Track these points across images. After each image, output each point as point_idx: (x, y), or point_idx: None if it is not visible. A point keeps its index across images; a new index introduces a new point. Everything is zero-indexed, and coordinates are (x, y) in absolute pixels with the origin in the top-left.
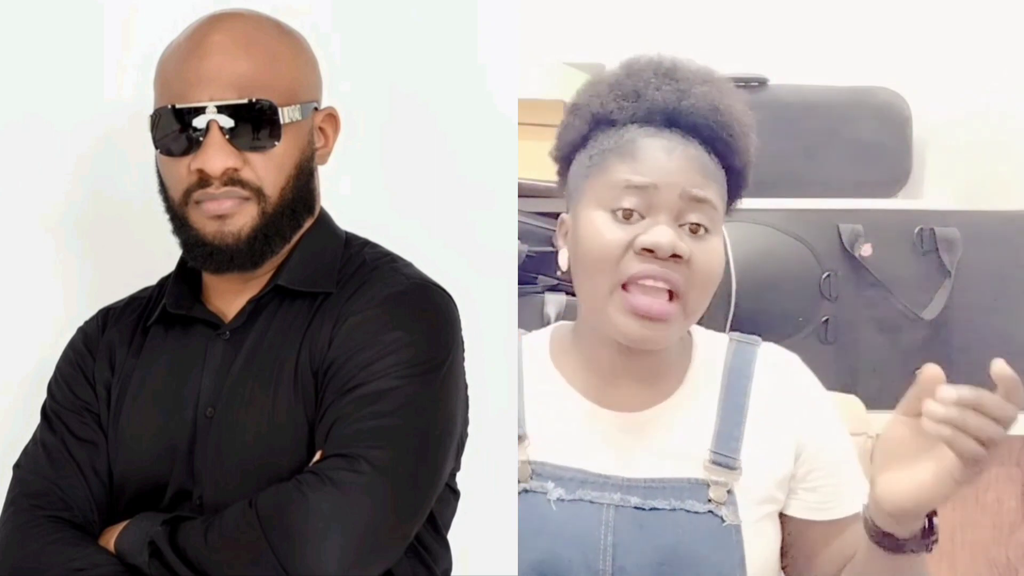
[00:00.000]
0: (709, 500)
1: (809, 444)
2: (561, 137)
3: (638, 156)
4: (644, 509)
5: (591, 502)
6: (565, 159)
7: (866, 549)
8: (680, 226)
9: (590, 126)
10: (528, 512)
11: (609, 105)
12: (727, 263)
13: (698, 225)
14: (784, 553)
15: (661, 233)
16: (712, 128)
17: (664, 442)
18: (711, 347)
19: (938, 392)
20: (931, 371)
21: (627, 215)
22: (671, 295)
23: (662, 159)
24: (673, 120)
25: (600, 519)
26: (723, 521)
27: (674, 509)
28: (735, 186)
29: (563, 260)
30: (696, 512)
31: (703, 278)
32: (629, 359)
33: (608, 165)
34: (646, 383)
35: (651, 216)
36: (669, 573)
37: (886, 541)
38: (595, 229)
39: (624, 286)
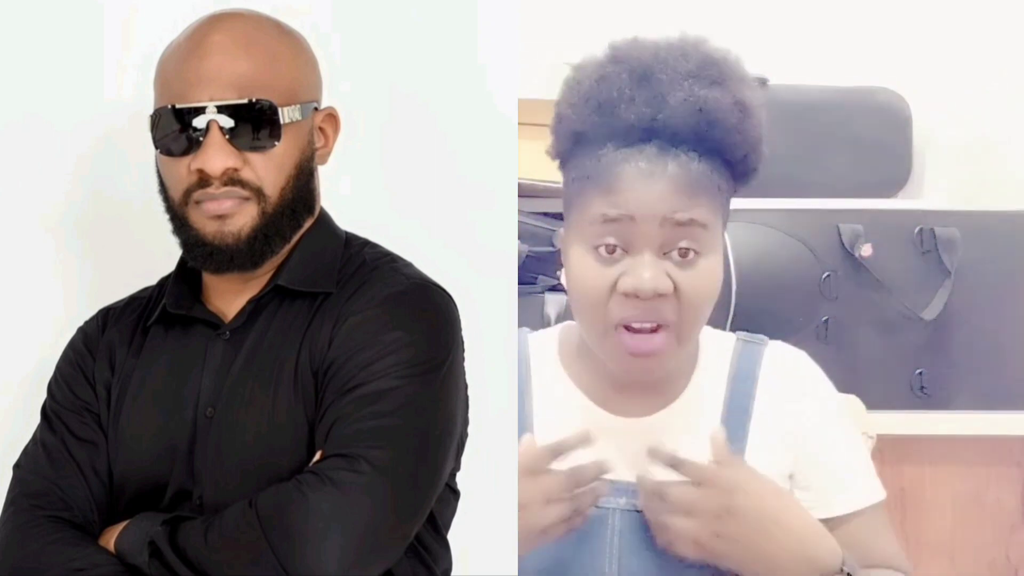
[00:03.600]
0: None
1: (806, 441)
2: (552, 139)
3: (614, 186)
4: None
5: (598, 506)
6: (561, 161)
7: None
8: (666, 254)
9: (571, 141)
10: None
11: (585, 122)
12: (727, 263)
13: (687, 250)
14: None
15: (642, 275)
16: (696, 132)
17: (670, 447)
18: (717, 348)
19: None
20: None
21: (610, 250)
22: (662, 325)
23: (639, 187)
24: (652, 132)
25: (606, 523)
26: None
27: None
28: (740, 172)
29: (564, 280)
30: None
31: (693, 307)
32: None
33: (587, 196)
34: (651, 389)
35: (633, 251)
36: None
37: None
38: (581, 271)
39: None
